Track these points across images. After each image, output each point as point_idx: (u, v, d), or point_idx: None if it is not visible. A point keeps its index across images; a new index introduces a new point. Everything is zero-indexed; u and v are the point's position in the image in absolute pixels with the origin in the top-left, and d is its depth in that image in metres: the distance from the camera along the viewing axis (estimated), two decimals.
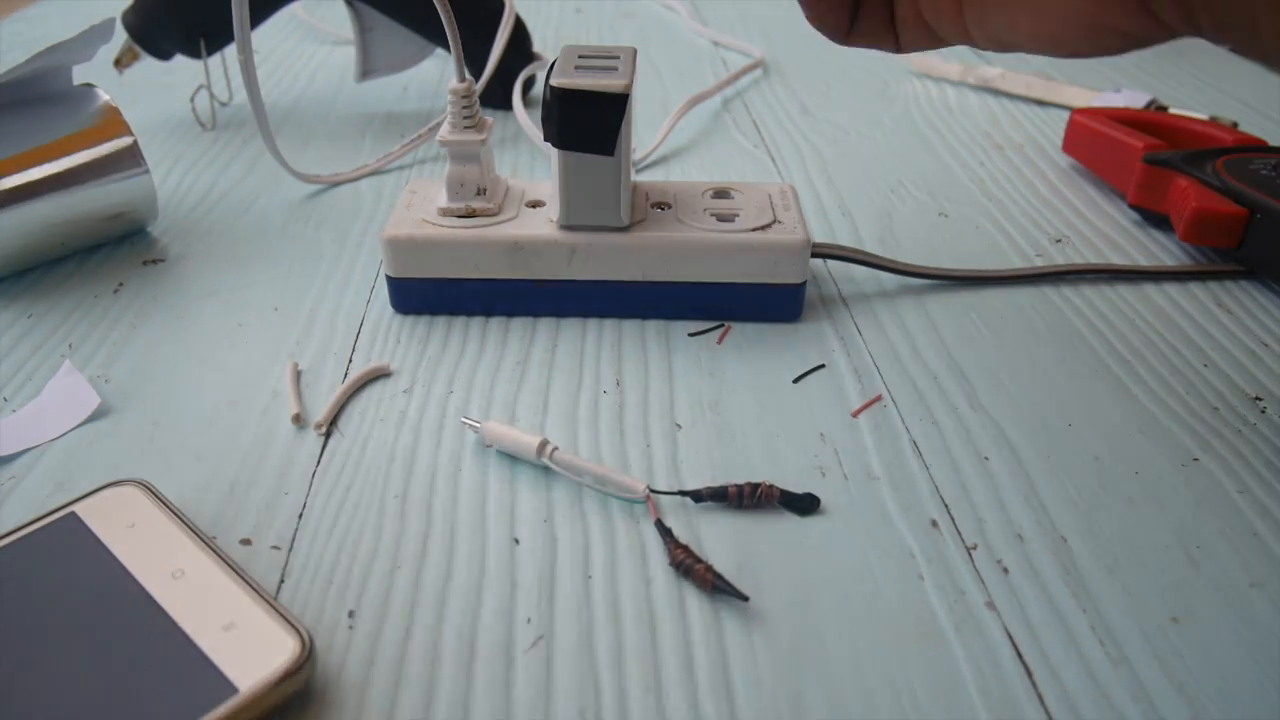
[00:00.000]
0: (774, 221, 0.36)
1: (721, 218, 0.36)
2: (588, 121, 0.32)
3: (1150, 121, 0.48)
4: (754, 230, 0.35)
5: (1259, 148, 0.44)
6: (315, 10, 0.73)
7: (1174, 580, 0.26)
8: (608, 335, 0.36)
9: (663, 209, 0.37)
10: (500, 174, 0.38)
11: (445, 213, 0.36)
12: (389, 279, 0.36)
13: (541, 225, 0.35)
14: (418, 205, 0.37)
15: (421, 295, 0.36)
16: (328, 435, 0.31)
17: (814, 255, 0.36)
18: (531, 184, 0.38)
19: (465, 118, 0.35)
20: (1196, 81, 0.64)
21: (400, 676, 0.23)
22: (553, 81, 0.32)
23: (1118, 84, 0.63)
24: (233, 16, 0.38)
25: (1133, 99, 0.56)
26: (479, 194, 0.36)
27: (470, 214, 0.36)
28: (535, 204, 0.37)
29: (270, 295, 0.38)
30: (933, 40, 0.30)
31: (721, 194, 0.38)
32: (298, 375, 0.33)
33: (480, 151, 0.35)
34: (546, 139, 0.33)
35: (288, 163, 0.45)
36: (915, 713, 0.22)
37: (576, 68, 0.33)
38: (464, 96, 0.34)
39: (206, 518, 0.27)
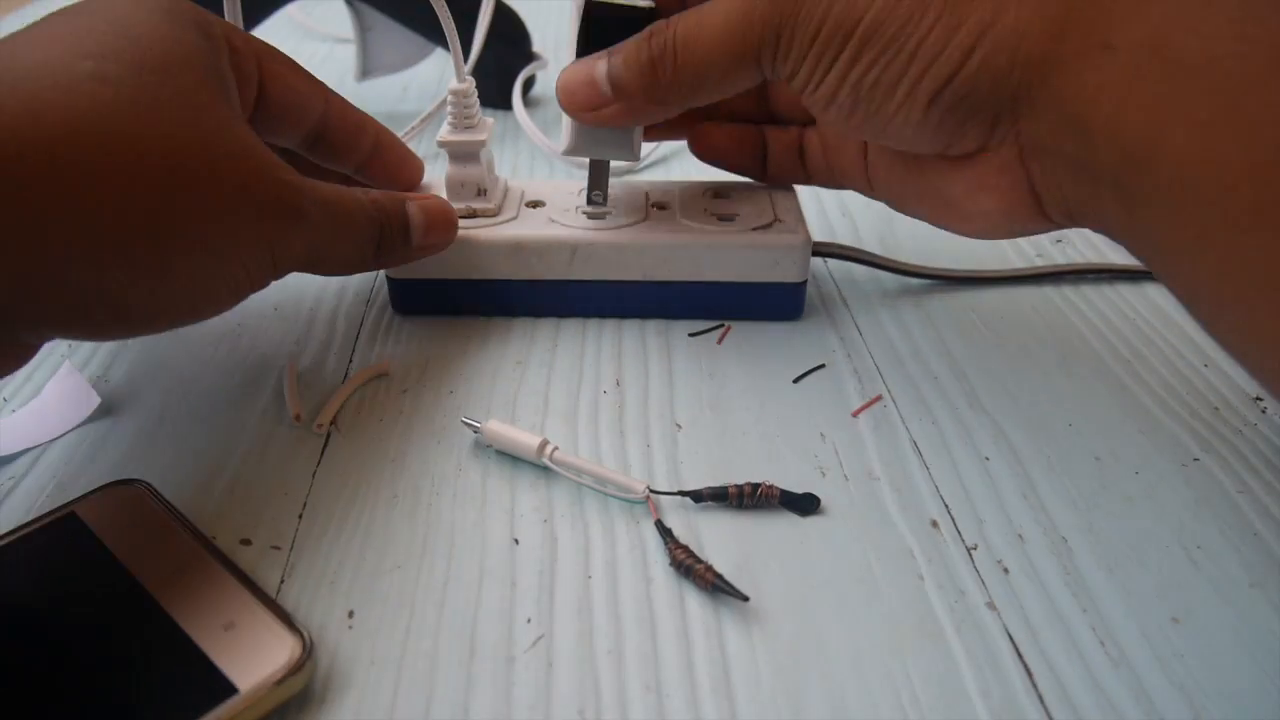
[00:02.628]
0: (774, 221, 0.36)
1: (722, 217, 0.36)
2: (615, 38, 0.31)
3: None
4: (754, 230, 0.35)
5: None
6: (313, 11, 0.73)
7: (1174, 580, 0.26)
8: (608, 335, 0.36)
9: (663, 209, 0.37)
10: (500, 174, 0.38)
11: None
12: (389, 279, 0.36)
13: (542, 225, 0.35)
14: None
15: (422, 296, 0.36)
16: (328, 435, 0.31)
17: (814, 254, 0.36)
18: (531, 184, 0.38)
19: (465, 118, 0.35)
20: None
21: (400, 676, 0.23)
22: None
23: None
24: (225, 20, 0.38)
25: None
26: (479, 194, 0.36)
27: (471, 214, 0.36)
28: (535, 204, 0.37)
29: (270, 295, 0.38)
30: (842, 185, 0.36)
31: (722, 194, 0.38)
32: (297, 375, 0.33)
33: (481, 152, 0.35)
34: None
35: None
36: (915, 713, 0.22)
37: None
38: (464, 97, 0.34)
39: (206, 518, 0.27)
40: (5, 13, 0.74)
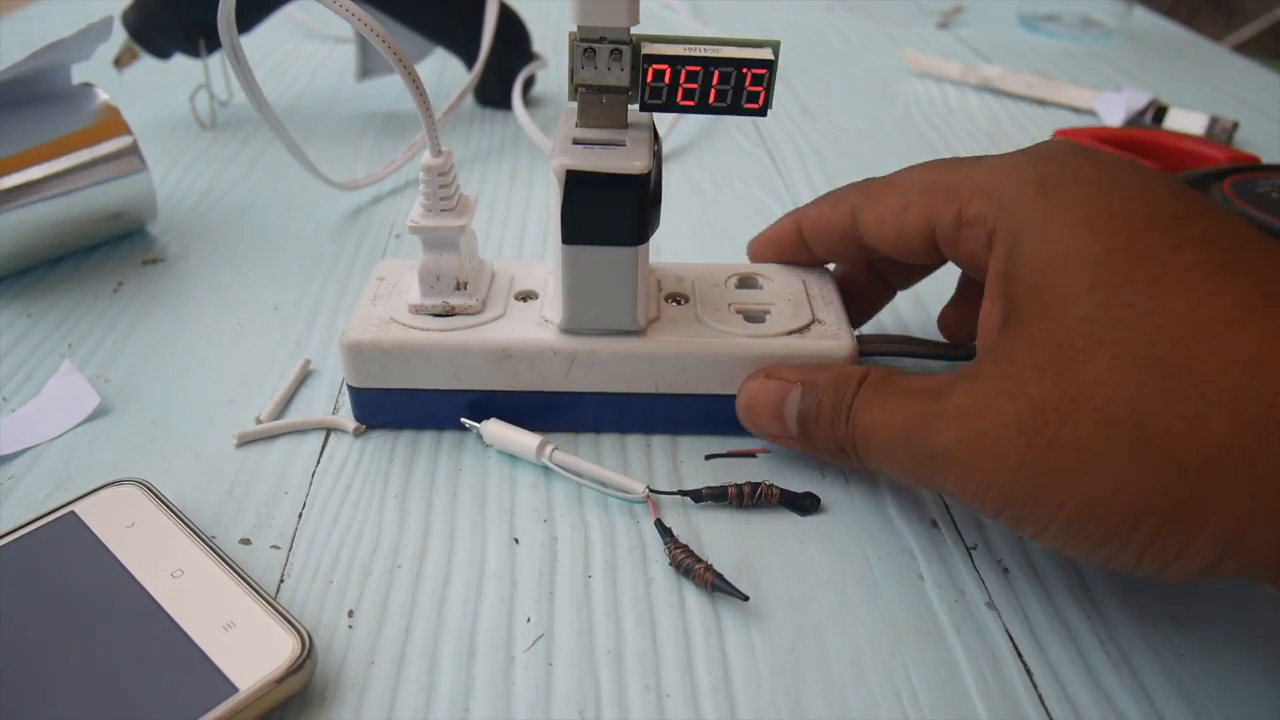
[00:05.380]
0: (813, 321, 0.30)
1: (750, 316, 0.30)
2: (603, 207, 0.27)
3: (1135, 140, 0.48)
4: (790, 334, 0.29)
5: (1260, 167, 0.43)
6: (313, 11, 0.73)
7: None
8: None
9: (679, 302, 0.31)
10: (484, 257, 0.32)
11: (418, 310, 0.30)
12: (350, 388, 0.30)
13: (534, 326, 0.29)
14: (385, 298, 0.30)
15: (391, 407, 0.30)
16: (327, 435, 0.31)
17: (861, 354, 0.30)
18: (521, 266, 0.32)
19: (442, 198, 0.29)
20: (1196, 81, 0.64)
21: (400, 676, 0.23)
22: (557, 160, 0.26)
23: (1118, 83, 0.63)
24: (220, 35, 0.30)
25: (1133, 99, 0.56)
26: (459, 288, 0.30)
27: (448, 312, 0.30)
28: (525, 295, 0.31)
29: (270, 295, 0.38)
30: None
31: (748, 282, 0.32)
32: (298, 375, 0.33)
33: (460, 239, 0.29)
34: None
35: (318, 169, 0.43)
36: (915, 713, 0.22)
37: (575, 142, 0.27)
38: (440, 174, 0.28)
39: (206, 517, 0.27)
40: (5, 13, 0.74)
